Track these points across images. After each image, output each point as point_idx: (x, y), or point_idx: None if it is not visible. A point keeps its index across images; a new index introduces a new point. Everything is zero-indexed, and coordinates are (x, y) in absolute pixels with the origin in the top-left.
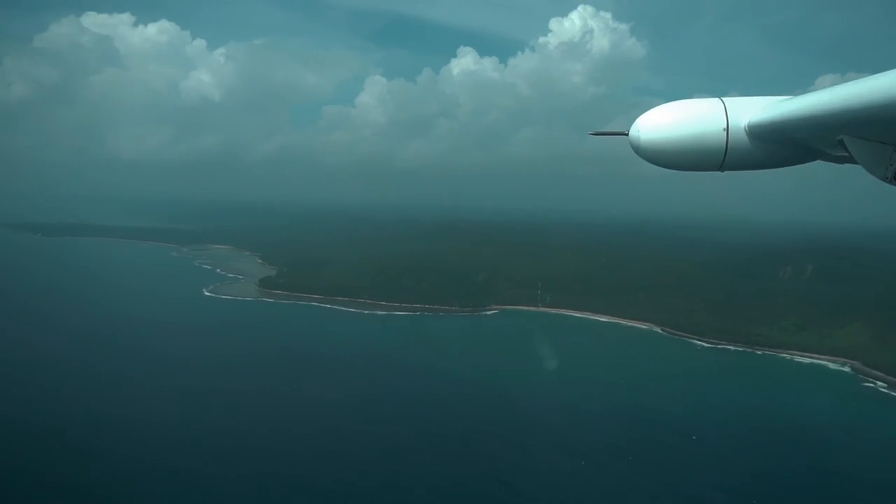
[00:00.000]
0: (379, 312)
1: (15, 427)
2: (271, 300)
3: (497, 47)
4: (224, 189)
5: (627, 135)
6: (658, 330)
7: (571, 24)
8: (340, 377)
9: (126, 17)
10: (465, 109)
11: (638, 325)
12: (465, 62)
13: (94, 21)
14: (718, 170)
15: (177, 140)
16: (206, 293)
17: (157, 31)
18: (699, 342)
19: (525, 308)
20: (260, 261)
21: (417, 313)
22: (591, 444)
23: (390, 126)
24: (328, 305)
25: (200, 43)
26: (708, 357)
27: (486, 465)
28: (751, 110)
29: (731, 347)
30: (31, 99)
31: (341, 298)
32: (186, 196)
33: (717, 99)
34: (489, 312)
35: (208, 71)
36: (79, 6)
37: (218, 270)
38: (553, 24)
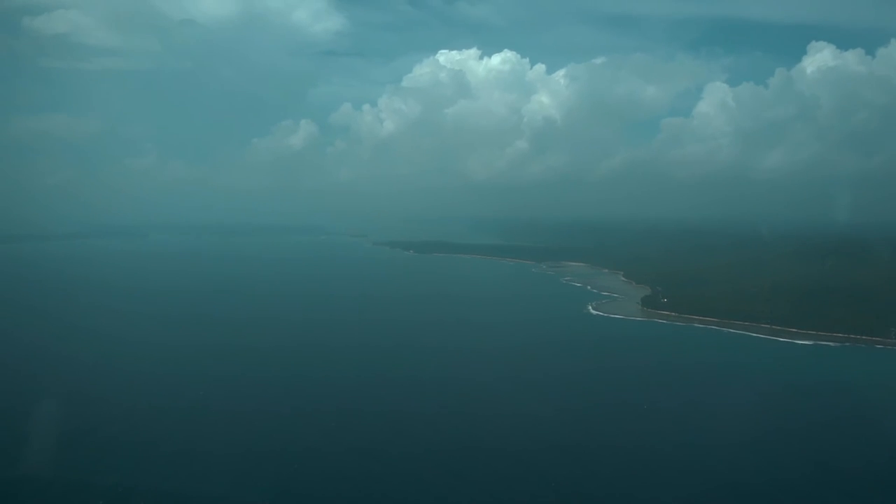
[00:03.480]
0: (800, 342)
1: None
2: (664, 321)
3: (859, 38)
4: (569, 207)
5: None
6: None
7: None
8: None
9: (473, 52)
10: (825, 111)
11: None
12: (820, 58)
13: (447, 58)
14: None
15: (522, 161)
16: (593, 311)
17: (501, 62)
18: None
19: None
20: (624, 278)
21: (846, 344)
22: None
23: (739, 135)
24: (730, 330)
25: (540, 68)
26: None
27: None
28: None
29: None
30: (399, 132)
31: (741, 323)
32: (532, 214)
33: None
34: None
35: (548, 93)
36: (435, 46)
37: (589, 288)
38: None
